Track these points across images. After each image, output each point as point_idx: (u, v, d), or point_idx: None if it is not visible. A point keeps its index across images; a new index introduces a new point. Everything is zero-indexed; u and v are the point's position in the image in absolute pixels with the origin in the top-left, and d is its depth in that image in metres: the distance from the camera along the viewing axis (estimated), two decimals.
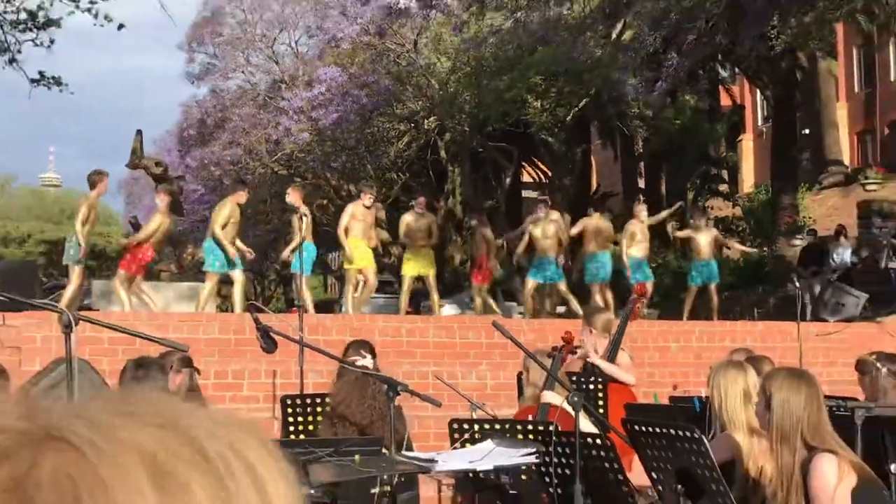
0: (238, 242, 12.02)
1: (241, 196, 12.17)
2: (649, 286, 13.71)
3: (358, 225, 12.55)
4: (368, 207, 12.73)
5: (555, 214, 14.28)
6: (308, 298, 12.25)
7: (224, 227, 11.70)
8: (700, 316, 14.19)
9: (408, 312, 13.36)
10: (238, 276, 11.90)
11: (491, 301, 14.12)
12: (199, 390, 5.98)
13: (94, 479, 0.48)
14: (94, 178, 11.76)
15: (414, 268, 13.17)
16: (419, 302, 16.32)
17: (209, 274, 11.91)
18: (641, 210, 14.55)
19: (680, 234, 17.58)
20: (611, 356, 6.77)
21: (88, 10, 18.20)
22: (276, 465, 0.54)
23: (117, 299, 12.00)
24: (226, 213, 11.81)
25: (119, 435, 0.50)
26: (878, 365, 5.76)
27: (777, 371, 3.98)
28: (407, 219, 13.51)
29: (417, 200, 14.00)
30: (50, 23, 19.41)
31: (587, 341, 6.97)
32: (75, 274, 11.60)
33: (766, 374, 4.24)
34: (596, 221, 14.14)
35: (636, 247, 13.90)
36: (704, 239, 14.37)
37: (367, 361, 5.84)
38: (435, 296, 13.33)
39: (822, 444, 3.70)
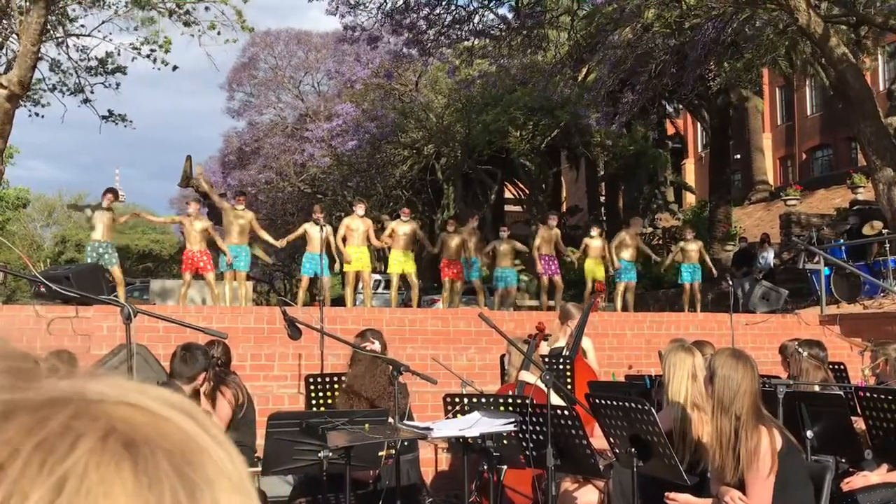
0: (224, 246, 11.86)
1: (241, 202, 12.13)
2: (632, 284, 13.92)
3: (353, 233, 12.46)
4: (362, 216, 12.65)
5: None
6: (301, 296, 12.27)
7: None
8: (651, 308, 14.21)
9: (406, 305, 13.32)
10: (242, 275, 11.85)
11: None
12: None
13: (151, 416, 0.45)
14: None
15: (398, 266, 13.02)
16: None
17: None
18: (636, 223, 14.59)
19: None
20: (576, 341, 6.73)
21: (148, 56, 18.26)
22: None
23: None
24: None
25: (150, 396, 0.47)
26: (800, 350, 5.73)
27: (722, 351, 3.94)
28: (392, 224, 13.42)
29: (403, 210, 13.84)
30: (117, 69, 19.50)
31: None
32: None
33: (713, 353, 4.22)
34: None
35: (626, 251, 13.95)
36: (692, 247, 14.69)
37: (376, 346, 5.81)
38: (415, 291, 13.19)
39: (755, 414, 3.68)
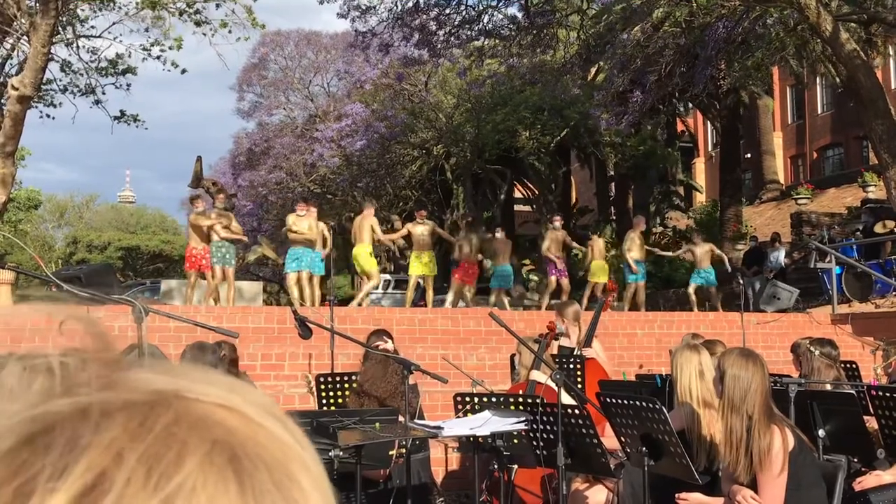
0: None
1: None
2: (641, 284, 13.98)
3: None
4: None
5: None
6: (298, 296, 12.29)
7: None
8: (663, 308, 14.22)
9: (419, 305, 13.32)
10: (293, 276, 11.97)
11: (468, 296, 13.84)
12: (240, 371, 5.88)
13: (248, 424, 0.44)
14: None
15: (419, 269, 13.09)
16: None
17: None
18: (640, 222, 14.63)
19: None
20: (587, 341, 6.72)
21: (158, 57, 18.29)
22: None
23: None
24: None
25: (237, 392, 0.46)
26: (812, 348, 5.70)
27: (730, 350, 3.92)
28: (409, 226, 13.46)
29: (418, 213, 13.90)
30: (128, 70, 19.56)
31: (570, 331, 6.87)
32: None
33: (722, 352, 4.20)
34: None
35: (636, 251, 13.99)
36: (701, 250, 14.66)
37: (389, 345, 5.81)
38: (430, 295, 13.20)
39: (766, 413, 3.66)
